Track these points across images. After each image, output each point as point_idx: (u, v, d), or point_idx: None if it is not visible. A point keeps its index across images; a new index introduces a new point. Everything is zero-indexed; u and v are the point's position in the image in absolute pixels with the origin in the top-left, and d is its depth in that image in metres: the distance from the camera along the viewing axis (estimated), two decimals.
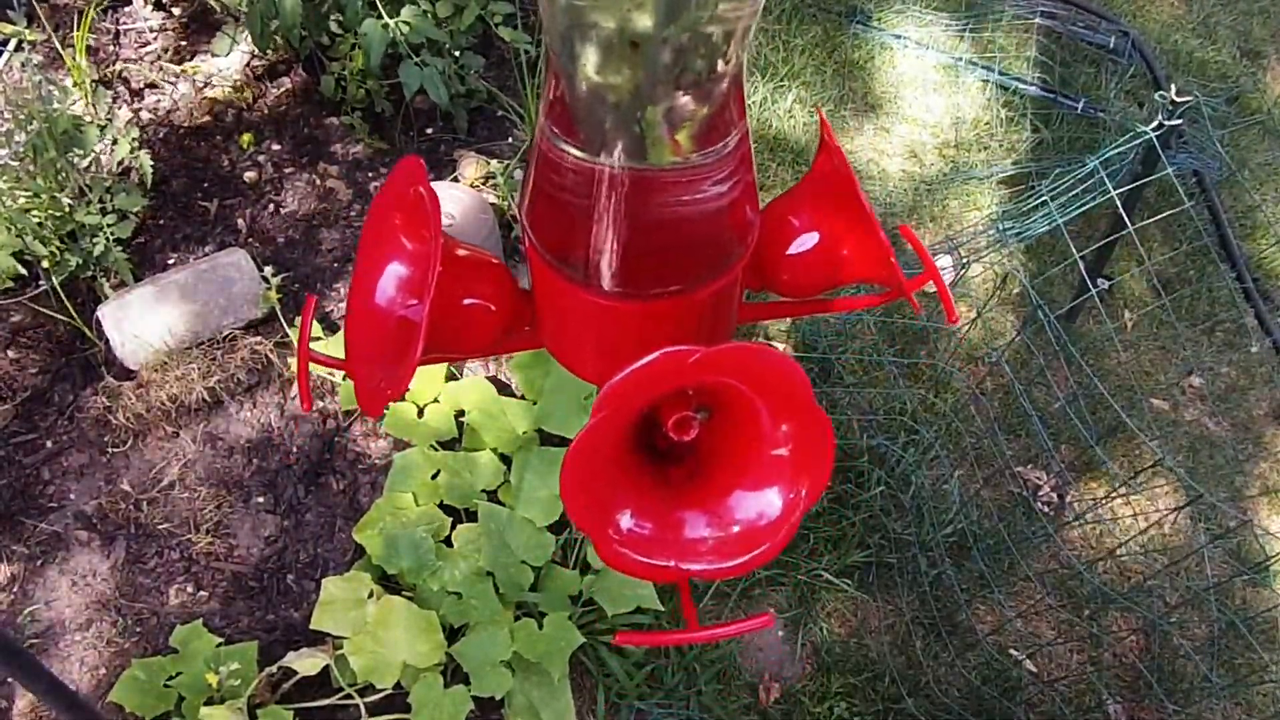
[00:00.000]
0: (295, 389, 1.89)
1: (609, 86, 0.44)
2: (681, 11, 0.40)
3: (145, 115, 2.20)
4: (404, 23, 1.99)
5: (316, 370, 1.85)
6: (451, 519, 1.70)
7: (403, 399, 1.75)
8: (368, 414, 0.54)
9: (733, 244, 0.54)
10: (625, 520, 0.52)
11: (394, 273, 0.59)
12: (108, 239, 1.86)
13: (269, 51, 2.27)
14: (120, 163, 2.01)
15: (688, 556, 0.52)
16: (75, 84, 2.08)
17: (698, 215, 0.50)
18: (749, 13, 0.43)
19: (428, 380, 1.81)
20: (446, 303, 0.54)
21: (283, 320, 1.91)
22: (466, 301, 0.57)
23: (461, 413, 1.81)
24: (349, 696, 1.56)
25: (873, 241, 0.56)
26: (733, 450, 0.54)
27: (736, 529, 0.53)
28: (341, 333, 1.89)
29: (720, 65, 0.44)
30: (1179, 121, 1.76)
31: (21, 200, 1.79)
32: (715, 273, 0.53)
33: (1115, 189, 1.68)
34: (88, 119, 1.90)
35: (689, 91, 0.45)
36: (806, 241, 0.60)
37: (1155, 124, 1.77)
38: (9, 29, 1.83)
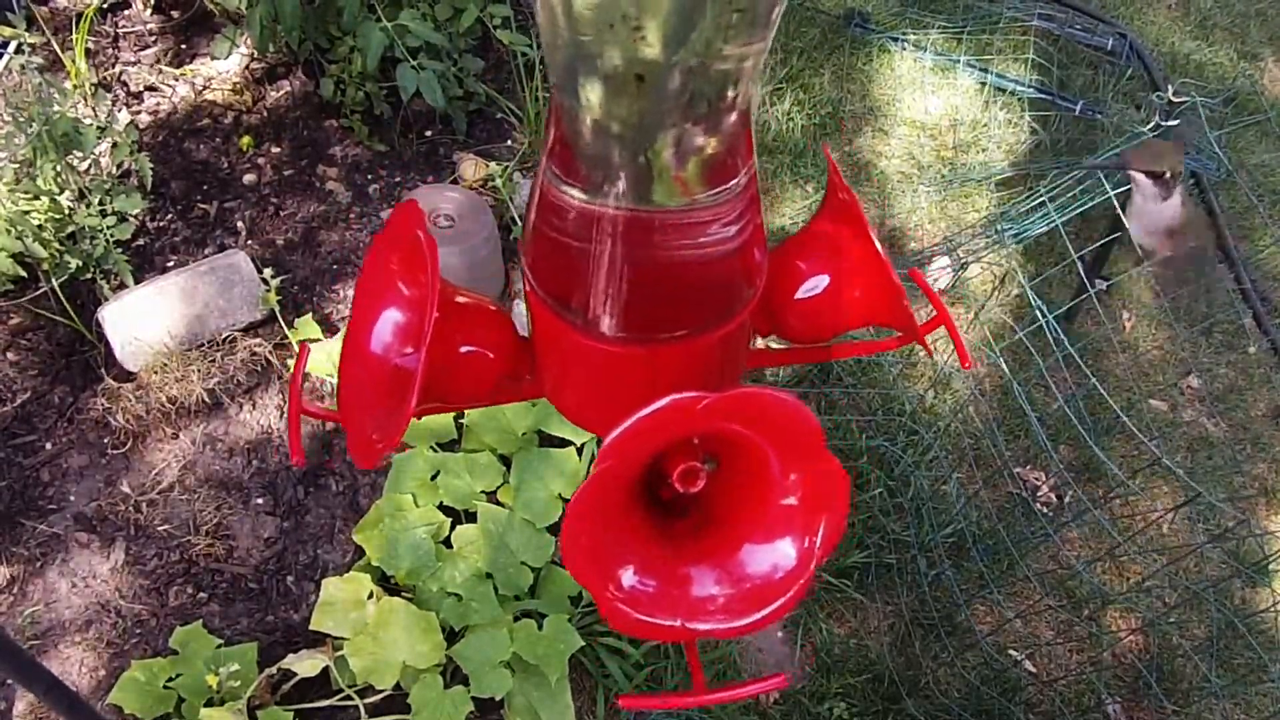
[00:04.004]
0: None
1: (614, 121, 0.43)
2: (686, 43, 0.39)
3: (145, 118, 2.20)
4: (402, 26, 1.99)
5: (316, 370, 1.86)
6: (451, 520, 1.70)
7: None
8: (360, 466, 0.52)
9: (740, 287, 0.52)
10: (628, 576, 0.49)
11: (390, 319, 0.57)
12: (107, 241, 1.86)
13: (268, 54, 2.28)
14: (120, 165, 2.02)
15: (695, 615, 0.50)
16: (74, 87, 2.09)
17: (704, 258, 0.49)
18: (757, 50, 0.41)
19: None
20: (443, 351, 0.53)
21: (282, 322, 1.91)
22: (464, 349, 0.55)
23: (461, 414, 1.82)
24: (349, 698, 1.56)
25: (885, 284, 0.55)
26: (742, 501, 0.52)
27: (748, 584, 0.50)
28: (340, 335, 1.90)
29: (729, 97, 0.43)
30: (1176, 122, 1.77)
31: (21, 202, 1.79)
32: (722, 317, 0.52)
33: (1113, 190, 1.68)
34: (87, 121, 1.90)
35: (697, 126, 0.43)
36: (816, 285, 0.58)
37: (1153, 125, 1.78)
38: (8, 32, 1.83)
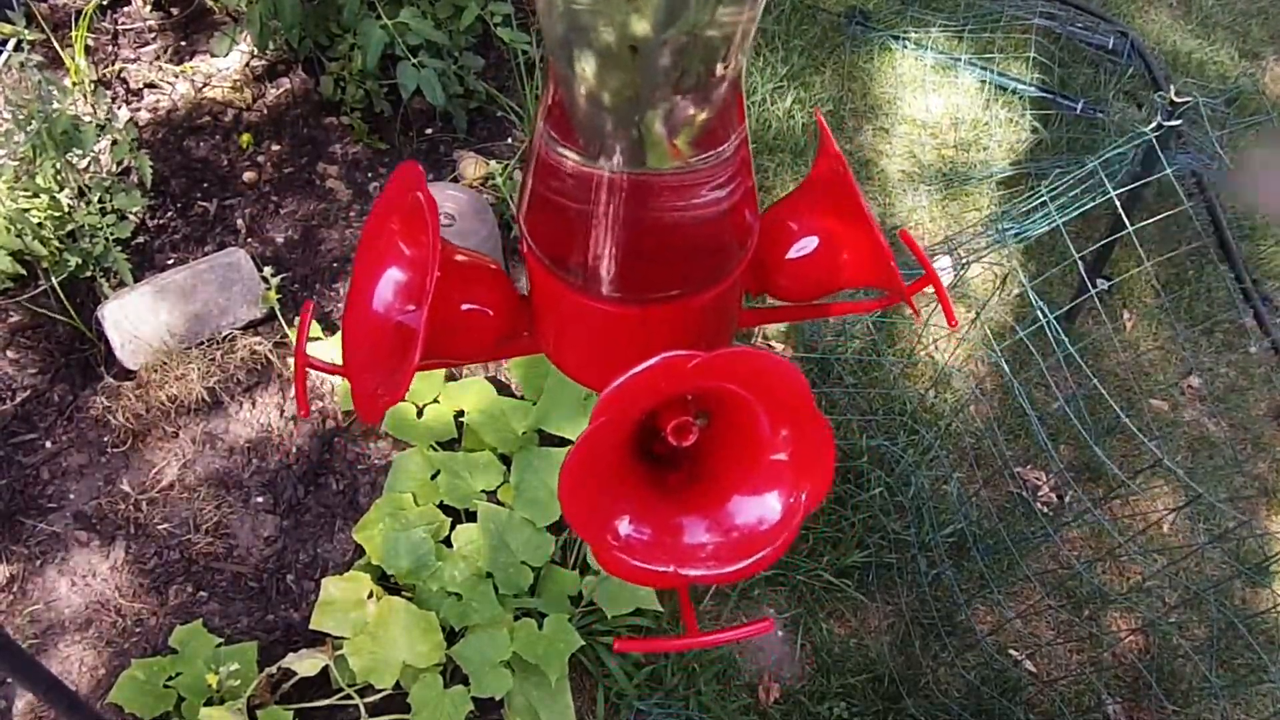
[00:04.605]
0: (295, 390, 1.89)
1: (608, 91, 0.44)
2: (680, 15, 0.40)
3: (144, 115, 2.20)
4: (402, 23, 1.99)
5: (315, 371, 1.85)
6: (451, 519, 1.70)
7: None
8: (365, 421, 0.54)
9: (732, 248, 0.54)
10: (624, 526, 0.51)
11: (392, 278, 0.59)
12: (107, 239, 1.86)
13: (268, 52, 2.27)
14: (119, 163, 2.01)
15: (687, 562, 0.52)
16: (74, 84, 2.08)
17: (697, 220, 0.50)
18: (748, 17, 0.42)
19: (427, 381, 1.81)
20: (444, 308, 0.54)
21: (282, 320, 1.91)
22: (465, 307, 0.57)
23: (461, 413, 1.81)
24: (348, 697, 1.56)
25: (873, 245, 0.56)
26: (732, 455, 0.54)
27: (736, 534, 0.52)
28: (340, 333, 1.90)
29: (720, 69, 0.44)
30: (1178, 122, 1.76)
31: (21, 200, 1.78)
32: (714, 277, 0.53)
33: (1114, 189, 1.68)
34: (87, 119, 1.90)
35: (688, 95, 0.44)
36: (806, 246, 0.60)
37: (1154, 124, 1.78)
38: (8, 29, 1.82)
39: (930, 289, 0.60)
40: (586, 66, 0.43)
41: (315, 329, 1.91)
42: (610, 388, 0.45)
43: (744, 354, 0.47)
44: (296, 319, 1.91)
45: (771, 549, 0.52)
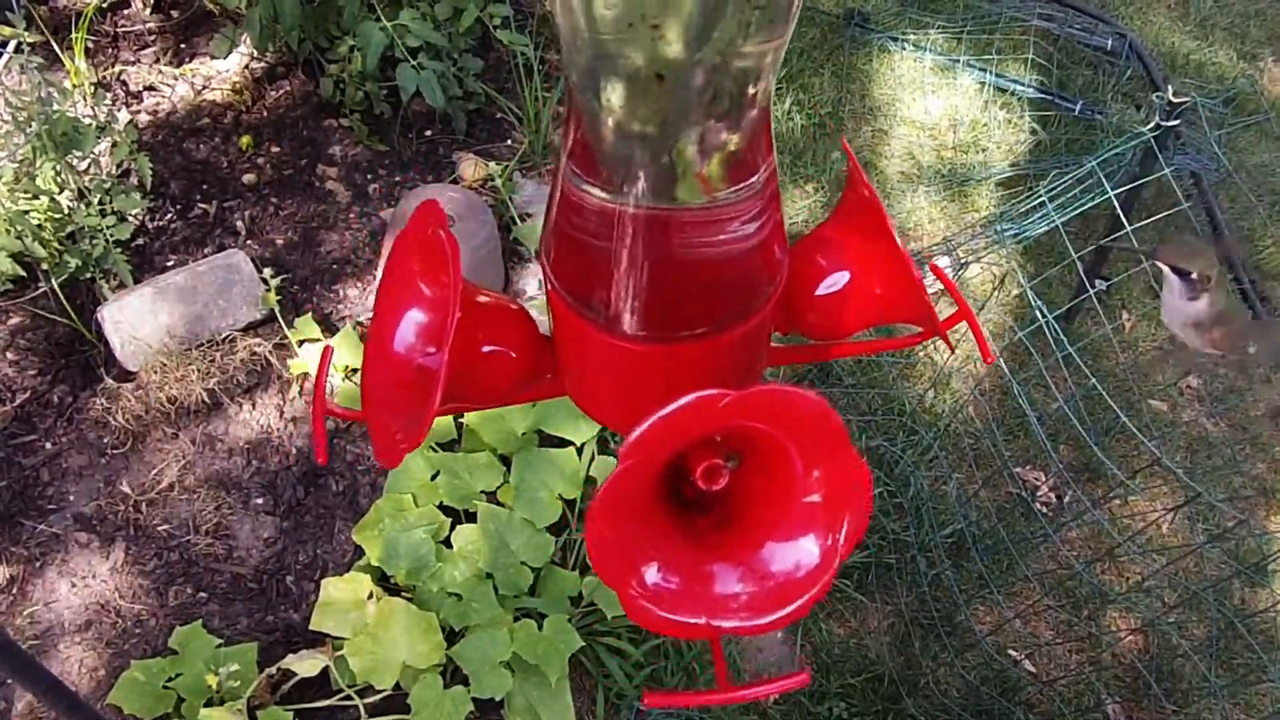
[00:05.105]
0: (294, 391, 1.89)
1: (636, 120, 0.43)
2: (707, 41, 0.39)
3: (144, 117, 2.20)
4: (402, 25, 1.99)
5: (317, 373, 1.85)
6: (451, 519, 1.70)
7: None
8: (384, 465, 0.53)
9: (761, 284, 0.52)
10: (651, 574, 0.49)
11: (412, 319, 0.57)
12: (107, 240, 1.86)
13: (268, 54, 2.28)
14: (119, 164, 2.02)
15: (719, 613, 0.49)
16: (74, 86, 2.09)
17: (725, 255, 0.49)
18: (776, 45, 0.42)
19: None
20: (466, 350, 0.53)
21: (282, 322, 1.91)
22: (486, 349, 0.56)
23: (461, 414, 1.82)
24: (348, 698, 1.56)
25: (905, 280, 0.55)
26: (764, 498, 0.52)
27: (771, 582, 0.50)
28: (340, 335, 1.90)
29: (748, 97, 0.43)
30: (1176, 122, 1.77)
31: (21, 202, 1.79)
32: (744, 314, 0.52)
33: (1113, 190, 1.68)
34: (87, 121, 1.90)
35: (717, 125, 0.43)
36: (836, 281, 0.58)
37: (1153, 125, 1.78)
38: (8, 31, 1.83)
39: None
40: (614, 96, 0.42)
41: (314, 330, 1.91)
42: (638, 429, 0.44)
43: (776, 392, 0.46)
44: (297, 319, 1.91)
45: (809, 596, 0.49)
